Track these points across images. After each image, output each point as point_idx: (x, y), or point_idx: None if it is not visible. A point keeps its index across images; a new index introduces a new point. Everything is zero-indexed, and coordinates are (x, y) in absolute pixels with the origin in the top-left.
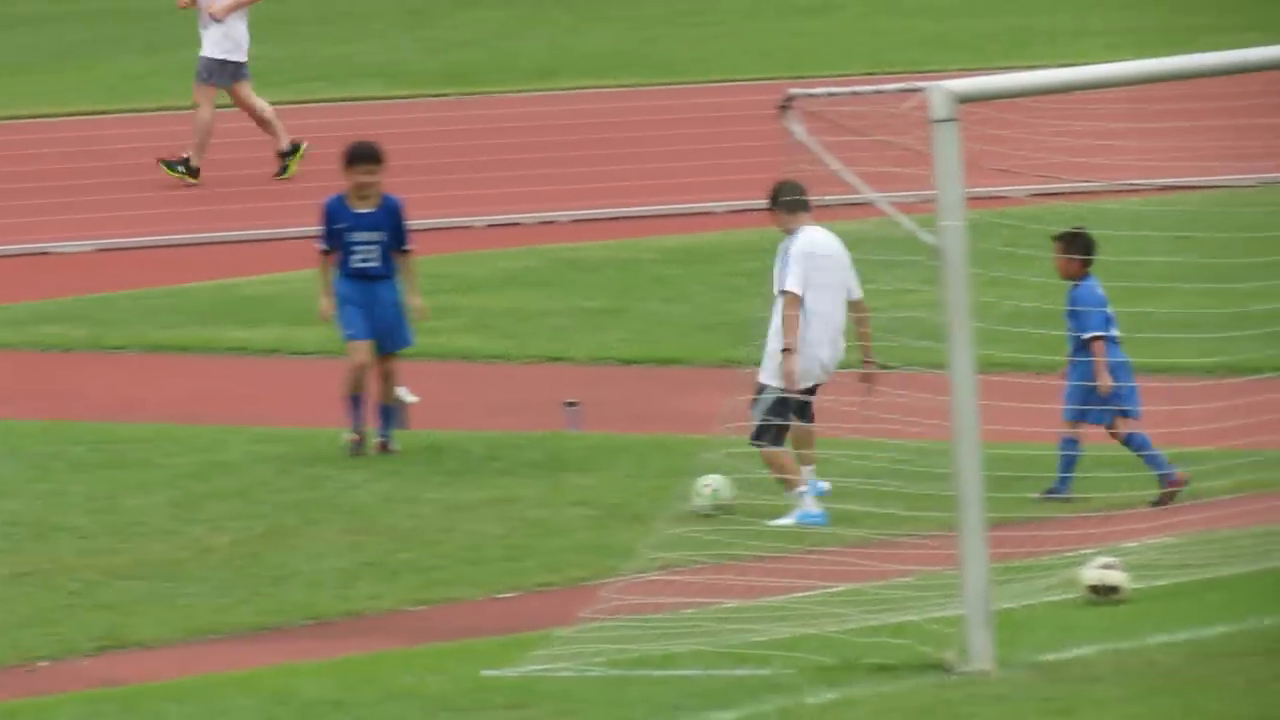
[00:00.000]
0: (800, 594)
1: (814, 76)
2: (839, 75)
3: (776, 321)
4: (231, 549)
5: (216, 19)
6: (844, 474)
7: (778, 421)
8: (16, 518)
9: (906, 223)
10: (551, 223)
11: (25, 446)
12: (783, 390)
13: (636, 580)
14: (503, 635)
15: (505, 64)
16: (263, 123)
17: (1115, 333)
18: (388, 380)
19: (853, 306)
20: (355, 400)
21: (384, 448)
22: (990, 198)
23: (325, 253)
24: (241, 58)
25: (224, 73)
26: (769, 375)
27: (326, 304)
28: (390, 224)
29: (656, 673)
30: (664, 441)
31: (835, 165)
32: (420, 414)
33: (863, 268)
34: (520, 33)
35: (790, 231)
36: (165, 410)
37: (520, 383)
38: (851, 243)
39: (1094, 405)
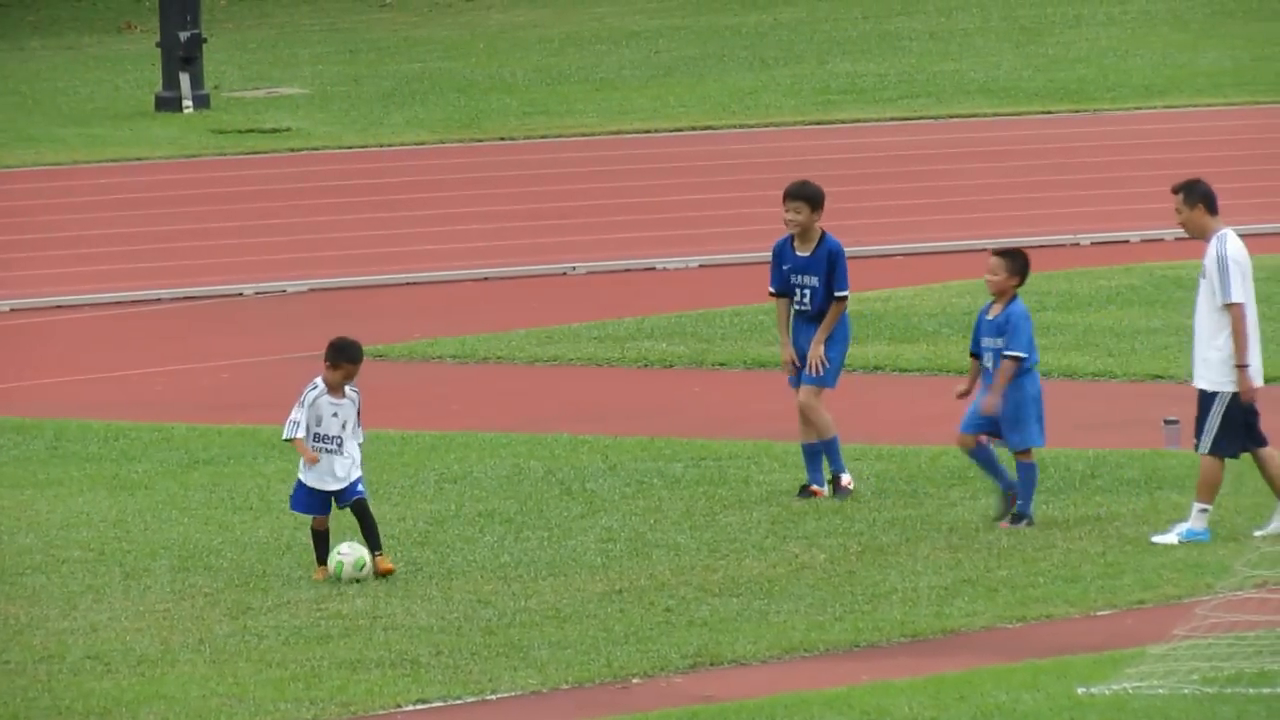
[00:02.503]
0: None
1: None
2: None
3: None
4: (827, 566)
5: None
6: None
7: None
8: (613, 534)
9: None
10: (1158, 240)
11: (624, 463)
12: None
13: (1232, 598)
14: (1097, 652)
15: (1116, 81)
16: None
17: None
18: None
19: None
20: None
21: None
22: None
23: (772, 294)
24: None
25: None
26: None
27: (784, 349)
28: (823, 268)
29: (1250, 690)
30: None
31: None
32: None
33: None
34: (1132, 50)
35: None
36: (765, 426)
37: (1122, 400)
38: None
39: None
